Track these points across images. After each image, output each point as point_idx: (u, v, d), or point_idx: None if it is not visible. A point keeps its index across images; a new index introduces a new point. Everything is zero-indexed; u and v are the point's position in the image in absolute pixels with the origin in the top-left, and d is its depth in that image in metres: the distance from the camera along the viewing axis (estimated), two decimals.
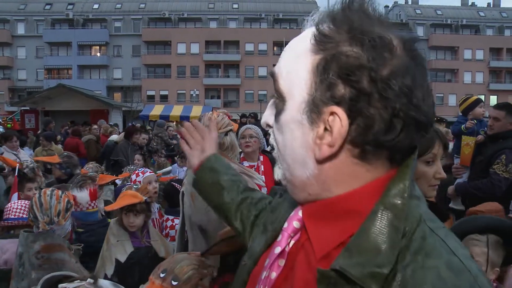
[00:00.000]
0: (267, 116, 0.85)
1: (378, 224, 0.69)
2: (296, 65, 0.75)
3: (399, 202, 0.70)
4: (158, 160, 7.92)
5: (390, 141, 0.69)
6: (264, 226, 0.98)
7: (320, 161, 0.74)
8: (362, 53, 0.67)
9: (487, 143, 4.15)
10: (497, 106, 4.11)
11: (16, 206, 2.92)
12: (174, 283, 1.46)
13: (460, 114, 5.12)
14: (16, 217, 2.86)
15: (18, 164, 4.56)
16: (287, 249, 0.82)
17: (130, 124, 15.27)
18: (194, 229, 2.33)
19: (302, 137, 0.74)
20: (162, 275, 1.49)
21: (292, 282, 0.78)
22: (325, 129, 0.72)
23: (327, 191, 0.76)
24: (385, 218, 0.69)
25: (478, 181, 3.95)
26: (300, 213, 0.81)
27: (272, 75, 0.81)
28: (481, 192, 3.86)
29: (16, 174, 4.13)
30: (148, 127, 14.49)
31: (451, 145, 5.29)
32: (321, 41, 0.71)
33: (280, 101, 0.78)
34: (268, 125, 0.85)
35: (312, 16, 0.78)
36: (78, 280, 1.49)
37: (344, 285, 0.67)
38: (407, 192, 0.71)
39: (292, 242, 0.82)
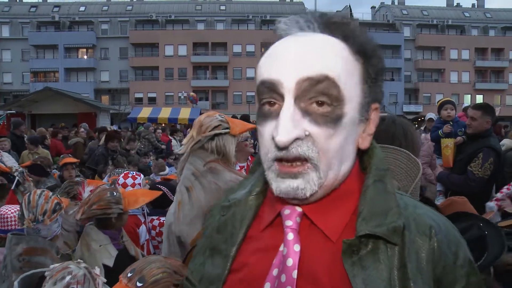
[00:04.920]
0: (292, 130, 0.76)
1: (378, 192, 0.84)
2: (350, 70, 0.82)
3: (384, 173, 0.87)
4: (146, 162, 7.85)
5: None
6: (213, 249, 0.94)
7: (358, 152, 0.88)
8: (378, 61, 0.86)
9: (467, 142, 4.27)
10: (474, 106, 4.26)
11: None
12: (139, 284, 1.35)
13: (437, 116, 5.23)
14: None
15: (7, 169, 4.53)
16: (297, 249, 0.83)
17: (115, 127, 15.10)
18: (171, 238, 2.17)
19: (355, 134, 0.84)
20: (129, 275, 1.40)
21: (311, 263, 0.82)
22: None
23: (340, 180, 0.85)
24: (381, 187, 0.85)
25: (456, 175, 4.11)
26: (298, 209, 0.85)
27: (326, 79, 0.77)
28: (456, 187, 4.00)
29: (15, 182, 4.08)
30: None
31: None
32: (359, 53, 0.84)
33: (336, 106, 0.78)
34: (298, 138, 0.77)
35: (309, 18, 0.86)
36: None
37: (364, 250, 0.80)
38: (386, 165, 0.89)
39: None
